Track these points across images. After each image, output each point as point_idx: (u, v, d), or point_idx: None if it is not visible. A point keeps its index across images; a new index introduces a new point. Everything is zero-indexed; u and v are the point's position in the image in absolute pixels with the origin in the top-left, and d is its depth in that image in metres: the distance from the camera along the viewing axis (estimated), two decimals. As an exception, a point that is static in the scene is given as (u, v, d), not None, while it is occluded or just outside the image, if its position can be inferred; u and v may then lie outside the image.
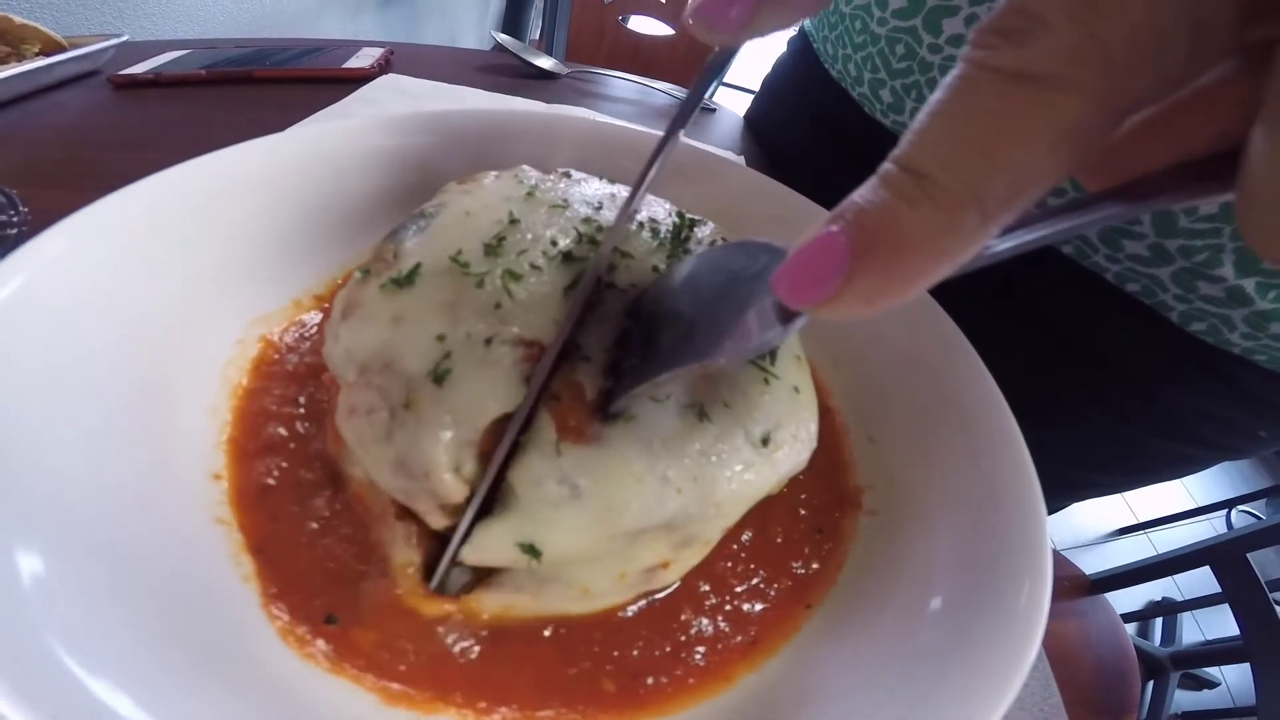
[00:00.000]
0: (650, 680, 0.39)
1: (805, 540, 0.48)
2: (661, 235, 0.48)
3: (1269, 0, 0.19)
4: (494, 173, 0.51)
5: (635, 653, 0.40)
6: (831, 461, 0.53)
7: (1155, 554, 1.98)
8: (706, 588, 0.44)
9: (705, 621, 0.42)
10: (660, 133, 0.52)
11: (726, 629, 0.42)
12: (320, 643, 0.36)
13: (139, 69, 0.90)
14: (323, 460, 0.43)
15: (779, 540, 0.47)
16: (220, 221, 0.48)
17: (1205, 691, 2.40)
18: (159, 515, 0.37)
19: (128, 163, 0.72)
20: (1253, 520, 2.98)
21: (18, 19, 0.86)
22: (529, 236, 0.43)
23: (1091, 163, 0.27)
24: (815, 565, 0.46)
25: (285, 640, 0.35)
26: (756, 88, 1.15)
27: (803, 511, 0.49)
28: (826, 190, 0.71)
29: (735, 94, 3.62)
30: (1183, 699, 2.23)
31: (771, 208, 0.66)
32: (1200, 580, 1.84)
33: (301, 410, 0.46)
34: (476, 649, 0.38)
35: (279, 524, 0.40)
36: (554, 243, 0.43)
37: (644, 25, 2.36)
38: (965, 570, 0.40)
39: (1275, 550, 2.08)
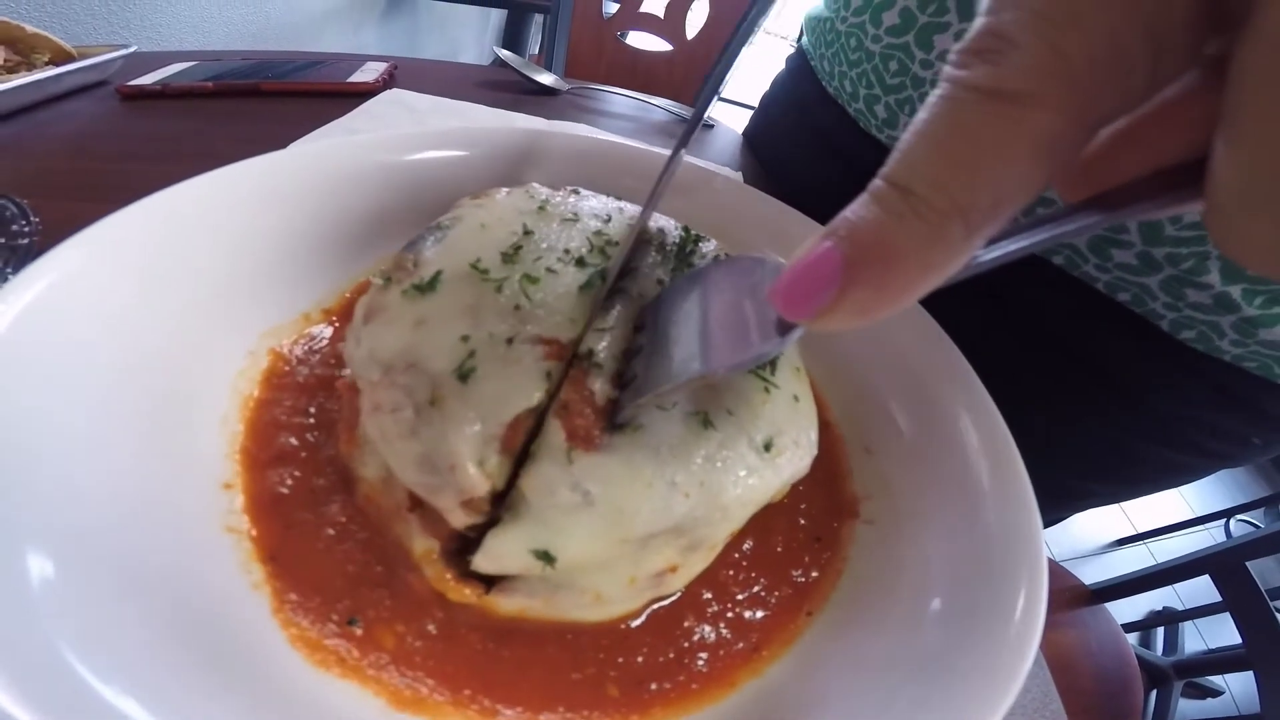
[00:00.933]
0: (654, 686, 0.39)
1: (805, 549, 0.48)
2: (668, 249, 0.50)
3: (1220, 18, 0.20)
4: (505, 189, 0.53)
5: (640, 659, 0.40)
6: (830, 472, 0.54)
7: (1155, 564, 1.98)
8: (709, 595, 0.44)
9: (708, 628, 0.43)
10: (658, 149, 0.53)
11: (729, 635, 0.42)
12: (340, 643, 0.36)
13: (147, 80, 0.91)
14: (334, 466, 0.44)
15: (779, 549, 0.48)
16: (231, 236, 0.49)
17: (1209, 700, 2.39)
18: (170, 523, 0.37)
19: (135, 174, 0.74)
20: (1251, 529, 2.98)
21: (29, 28, 0.87)
22: (544, 246, 0.46)
23: (1068, 175, 0.28)
24: (815, 573, 0.47)
25: (295, 646, 0.35)
26: (754, 103, 1.16)
27: (802, 521, 0.50)
28: (824, 204, 0.72)
29: (734, 109, 3.64)
30: (1187, 708, 2.22)
31: (766, 222, 0.67)
32: (1201, 589, 1.85)
33: (312, 420, 0.46)
34: (490, 646, 0.39)
35: (293, 531, 0.40)
36: (567, 250, 0.46)
37: (642, 41, 2.38)
38: (962, 577, 0.41)
39: (1275, 559, 2.08)
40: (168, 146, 0.81)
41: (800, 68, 1.00)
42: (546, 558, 0.35)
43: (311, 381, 0.49)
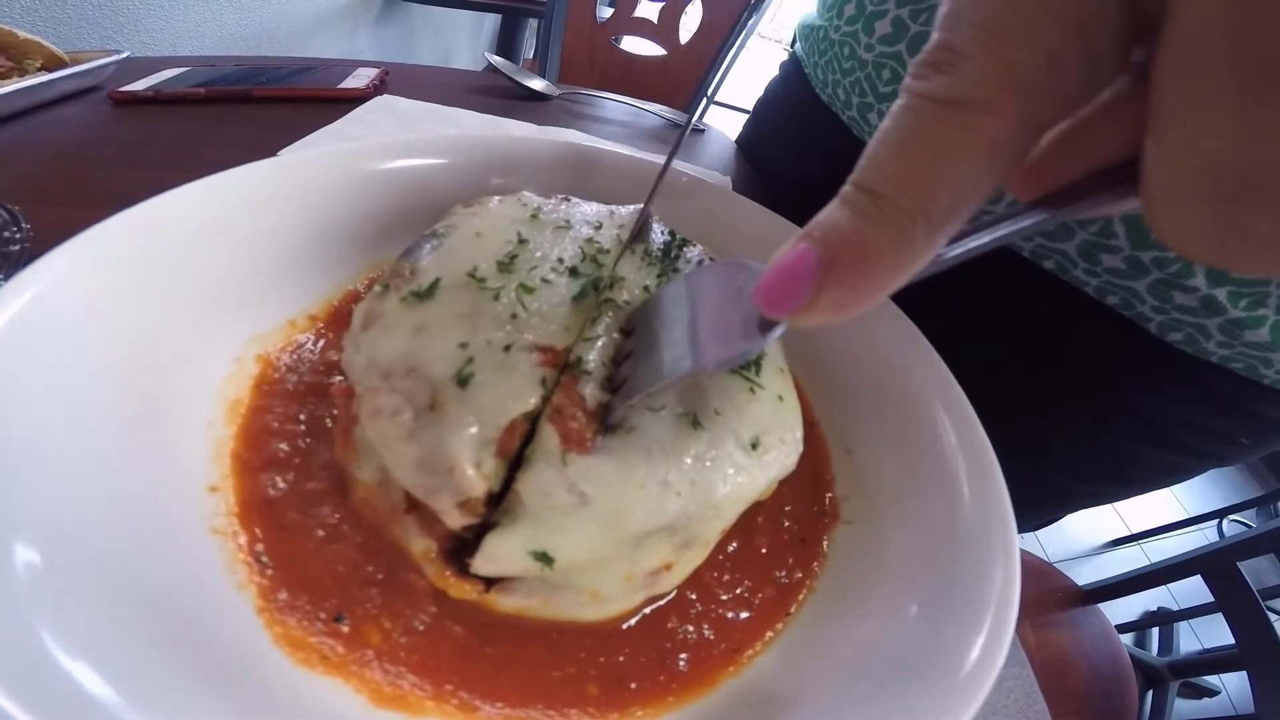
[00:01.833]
0: (634, 685, 0.40)
1: (789, 549, 0.49)
2: (654, 254, 0.52)
3: (1143, 27, 0.22)
4: (497, 197, 0.55)
5: (621, 658, 0.41)
6: (814, 472, 0.54)
7: (1148, 564, 2.00)
8: (694, 596, 0.45)
9: (691, 629, 0.44)
10: (647, 154, 0.54)
11: (711, 636, 0.43)
12: (325, 640, 0.37)
13: (139, 86, 0.92)
14: (329, 471, 0.45)
15: (764, 550, 0.49)
16: (218, 243, 0.50)
17: (1206, 700, 2.40)
18: (155, 525, 0.38)
19: (127, 180, 0.74)
20: (1243, 529, 2.99)
21: (21, 34, 0.88)
22: (538, 254, 0.48)
23: (1018, 176, 0.30)
24: (799, 574, 0.48)
25: (279, 644, 0.36)
26: (748, 107, 1.17)
27: (786, 523, 0.51)
28: (817, 209, 0.72)
29: (728, 114, 3.65)
30: (1183, 708, 2.23)
31: (752, 228, 0.69)
32: (1195, 590, 1.86)
33: (303, 427, 0.47)
34: (474, 642, 0.40)
35: (283, 533, 0.41)
36: (561, 259, 0.48)
37: (636, 46, 2.39)
38: (938, 576, 0.43)
39: (1267, 559, 2.09)
40: (160, 152, 0.82)
41: (794, 74, 1.01)
42: (545, 559, 0.36)
43: (301, 389, 0.50)
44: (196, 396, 0.46)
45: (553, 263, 0.47)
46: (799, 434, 0.46)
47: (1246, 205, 0.21)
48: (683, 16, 2.34)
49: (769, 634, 0.44)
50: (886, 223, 0.24)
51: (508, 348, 0.40)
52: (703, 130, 1.21)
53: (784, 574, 0.48)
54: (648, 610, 0.44)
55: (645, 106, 1.24)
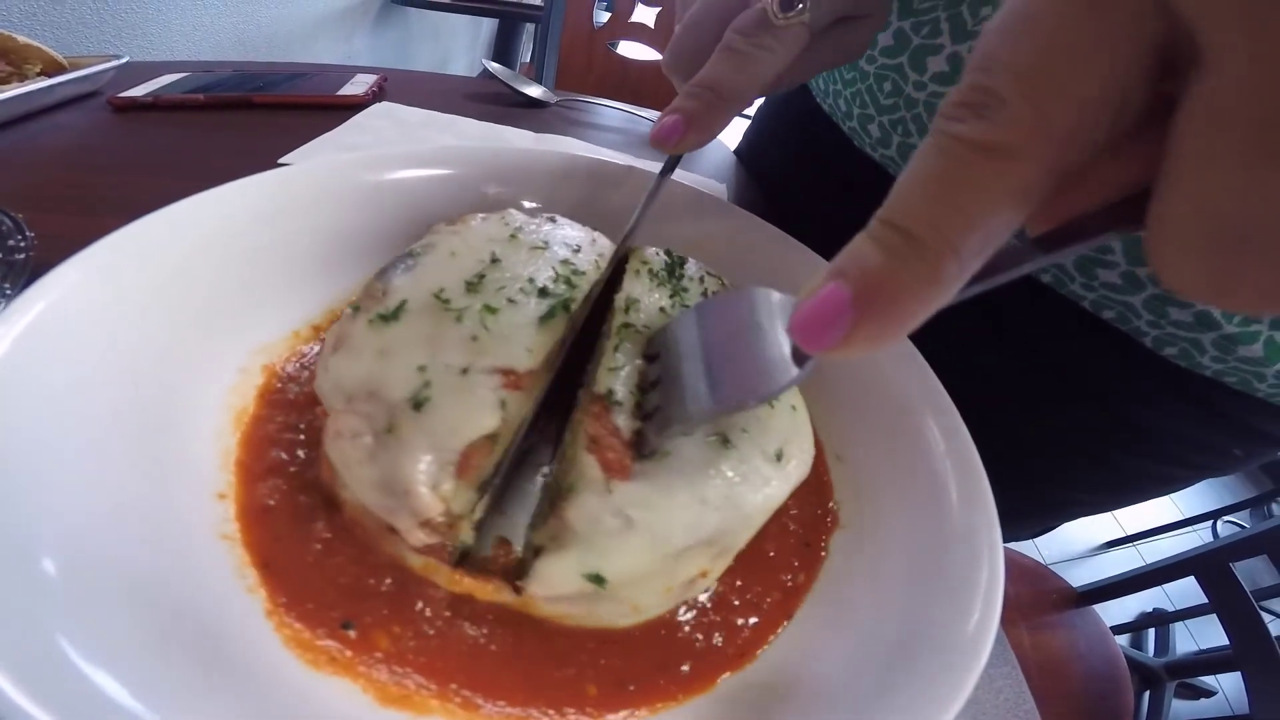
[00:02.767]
0: (633, 687, 0.41)
1: (794, 553, 0.50)
2: (658, 274, 0.53)
3: (1170, 64, 0.24)
4: (482, 215, 0.55)
5: (622, 661, 0.42)
6: (816, 476, 0.55)
7: (1141, 565, 2.01)
8: (704, 599, 0.46)
9: (699, 636, 0.45)
10: (644, 162, 0.55)
11: (719, 641, 0.44)
12: (333, 644, 0.38)
13: (138, 91, 0.93)
14: (318, 487, 0.45)
15: (771, 554, 0.50)
16: (223, 254, 0.51)
17: (1203, 700, 2.43)
18: (166, 530, 0.39)
19: (128, 187, 0.75)
20: (1238, 530, 3.02)
21: (21, 38, 0.88)
22: (508, 275, 0.48)
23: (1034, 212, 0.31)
24: (802, 576, 0.49)
25: (289, 647, 0.37)
26: (748, 114, 1.18)
27: (792, 526, 0.52)
28: (817, 220, 0.75)
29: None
30: (1180, 709, 2.25)
31: (751, 243, 0.70)
32: (1190, 590, 1.88)
33: (301, 437, 0.48)
34: (481, 642, 0.41)
35: (281, 544, 0.42)
36: (531, 280, 0.48)
37: (633, 50, 2.41)
38: (927, 574, 0.45)
39: (1261, 559, 2.10)
40: (159, 159, 0.83)
41: (796, 88, 1.01)
42: (598, 580, 0.38)
43: (301, 399, 0.50)
44: (204, 406, 0.47)
45: (523, 283, 0.47)
46: (811, 441, 0.48)
47: (1247, 257, 0.22)
48: (678, 20, 2.34)
49: (771, 637, 0.45)
50: (919, 262, 0.25)
51: (465, 370, 0.40)
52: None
53: (789, 577, 0.49)
54: (684, 614, 0.45)
55: (641, 113, 1.25)
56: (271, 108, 0.99)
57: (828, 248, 0.65)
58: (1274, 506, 3.47)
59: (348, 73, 1.13)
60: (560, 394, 0.56)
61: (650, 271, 0.53)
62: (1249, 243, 0.22)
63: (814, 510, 0.53)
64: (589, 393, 0.43)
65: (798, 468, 0.45)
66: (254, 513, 0.43)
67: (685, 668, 0.42)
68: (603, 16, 2.38)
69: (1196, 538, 3.43)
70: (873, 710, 0.36)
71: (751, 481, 0.42)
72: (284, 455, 0.47)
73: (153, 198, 0.49)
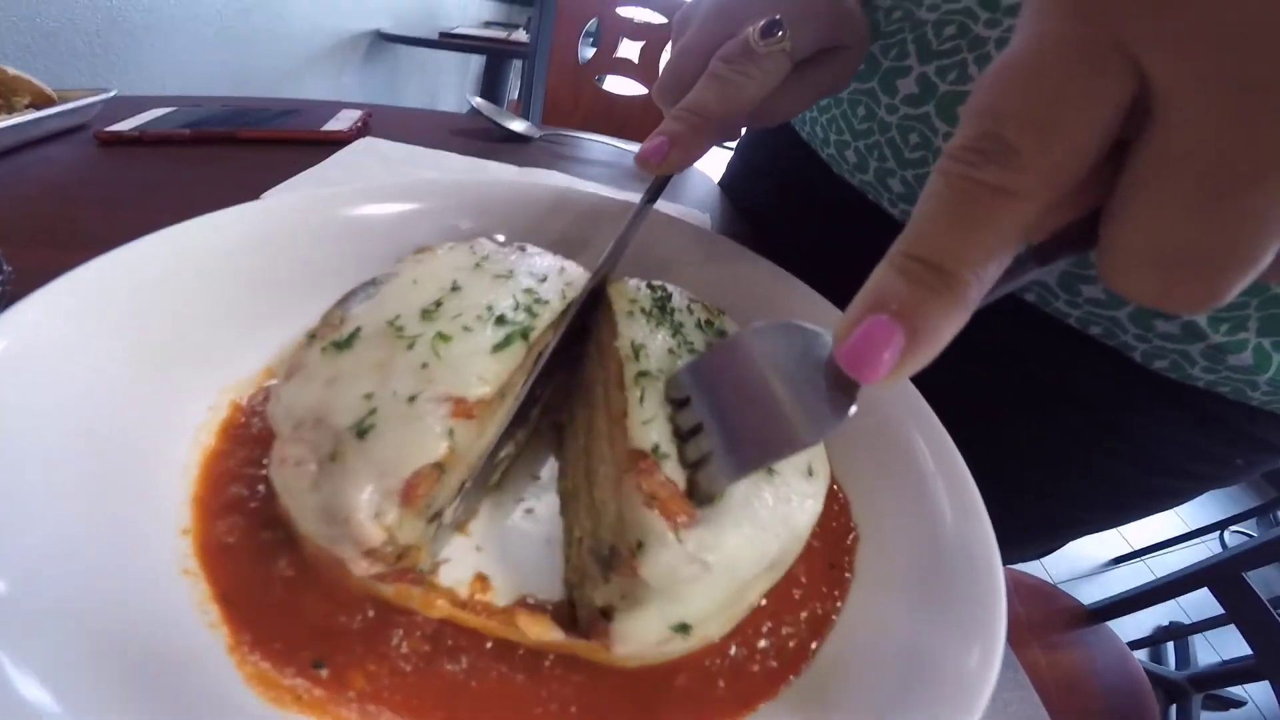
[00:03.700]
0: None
1: (822, 578, 0.50)
2: (650, 312, 0.53)
3: (1129, 119, 0.29)
4: (449, 244, 0.55)
5: (607, 696, 0.41)
6: (831, 495, 0.54)
7: (1152, 580, 2.01)
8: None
9: (694, 681, 0.43)
10: (628, 194, 0.55)
11: (722, 686, 0.43)
12: (301, 682, 0.37)
13: (124, 126, 0.94)
14: (280, 523, 0.44)
15: (802, 578, 0.50)
16: (195, 290, 0.52)
17: (1232, 711, 2.40)
18: (127, 562, 0.38)
19: (112, 222, 0.75)
20: (1246, 539, 3.04)
21: (10, 70, 0.90)
22: (467, 303, 0.48)
23: None
24: (827, 605, 0.49)
25: (250, 684, 0.36)
26: (730, 145, 1.19)
27: (815, 544, 0.51)
28: (801, 248, 0.76)
29: (712, 152, 3.68)
30: None
31: (733, 268, 0.71)
32: (1206, 602, 1.87)
33: (262, 472, 0.47)
34: (461, 678, 0.40)
35: (243, 583, 0.41)
36: (490, 308, 0.48)
37: (619, 85, 2.44)
38: (925, 596, 0.45)
39: (1274, 568, 2.10)
40: (145, 194, 0.83)
41: None
42: (683, 629, 0.39)
43: (264, 434, 0.50)
44: (170, 442, 0.46)
45: (480, 311, 0.47)
46: (824, 451, 0.49)
47: (1184, 271, 0.29)
48: (663, 56, 2.38)
49: (792, 677, 0.44)
50: (950, 294, 0.30)
51: (413, 398, 0.40)
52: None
53: (818, 605, 0.49)
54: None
55: (627, 146, 1.26)
56: (256, 143, 1.01)
57: (813, 274, 0.68)
58: (1278, 513, 3.51)
59: (333, 109, 1.15)
60: (544, 424, 0.58)
61: (642, 310, 0.52)
62: (1185, 264, 0.28)
63: (834, 531, 0.53)
64: (625, 449, 0.43)
65: (824, 480, 0.46)
66: (213, 550, 0.42)
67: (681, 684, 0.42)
68: (588, 52, 2.42)
69: (1205, 549, 3.44)
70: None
71: (795, 501, 0.43)
72: (244, 491, 0.46)
73: (136, 233, 0.49)
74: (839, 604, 0.48)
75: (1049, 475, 0.85)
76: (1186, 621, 2.62)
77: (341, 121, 1.08)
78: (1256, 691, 2.47)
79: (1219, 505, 3.67)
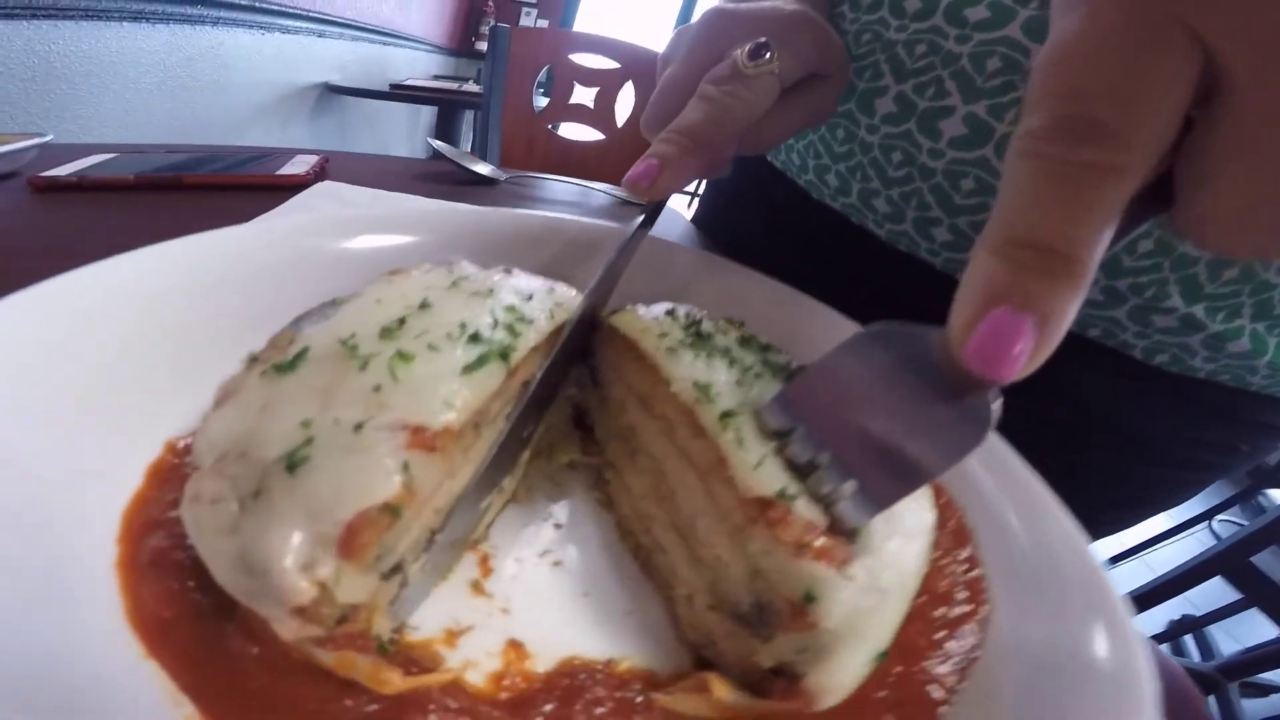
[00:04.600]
0: None
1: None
2: (688, 343, 0.48)
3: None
4: (428, 264, 0.50)
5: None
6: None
7: (1155, 575, 2.03)
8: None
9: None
10: (617, 225, 0.52)
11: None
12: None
13: (61, 171, 0.89)
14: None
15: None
16: (130, 329, 0.47)
17: (1274, 696, 2.36)
18: (80, 653, 0.32)
19: (46, 271, 0.68)
20: (1237, 528, 3.09)
21: (-67, 113, 0.82)
22: (436, 320, 0.42)
23: None
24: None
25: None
26: (697, 191, 1.19)
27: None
28: (782, 277, 0.74)
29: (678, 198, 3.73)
30: (1252, 708, 2.19)
31: (736, 287, 0.71)
32: (1214, 592, 1.90)
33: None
34: None
35: (207, 670, 0.34)
36: (463, 326, 0.42)
37: (574, 132, 2.45)
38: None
39: (1271, 552, 2.13)
40: (83, 241, 0.78)
41: None
42: (881, 656, 0.36)
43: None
44: (105, 511, 0.40)
45: (451, 329, 0.41)
46: None
47: None
48: (617, 100, 2.39)
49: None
50: (1072, 277, 0.30)
51: (359, 426, 0.34)
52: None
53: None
54: None
55: (593, 185, 1.24)
56: (206, 189, 0.96)
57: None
58: (1260, 499, 3.62)
59: (287, 155, 1.12)
60: (548, 468, 0.54)
61: (681, 343, 0.48)
62: None
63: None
64: (740, 500, 0.39)
65: None
66: (155, 632, 0.35)
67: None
68: (542, 101, 2.42)
69: (1197, 542, 3.50)
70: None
71: (913, 504, 0.41)
72: (166, 542, 0.39)
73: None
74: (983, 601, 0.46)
75: (1056, 479, 0.83)
76: (1197, 614, 2.64)
77: (297, 166, 1.06)
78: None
79: (1201, 497, 3.73)
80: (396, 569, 0.37)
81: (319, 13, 3.23)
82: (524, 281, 0.51)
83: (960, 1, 0.66)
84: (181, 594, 0.36)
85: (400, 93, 3.79)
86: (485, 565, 0.46)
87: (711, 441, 0.41)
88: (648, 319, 0.51)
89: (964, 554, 0.49)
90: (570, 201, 1.22)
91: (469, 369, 0.38)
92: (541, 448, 0.55)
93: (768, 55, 0.57)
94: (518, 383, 0.45)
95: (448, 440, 0.36)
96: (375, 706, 0.34)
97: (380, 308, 0.42)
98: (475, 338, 0.41)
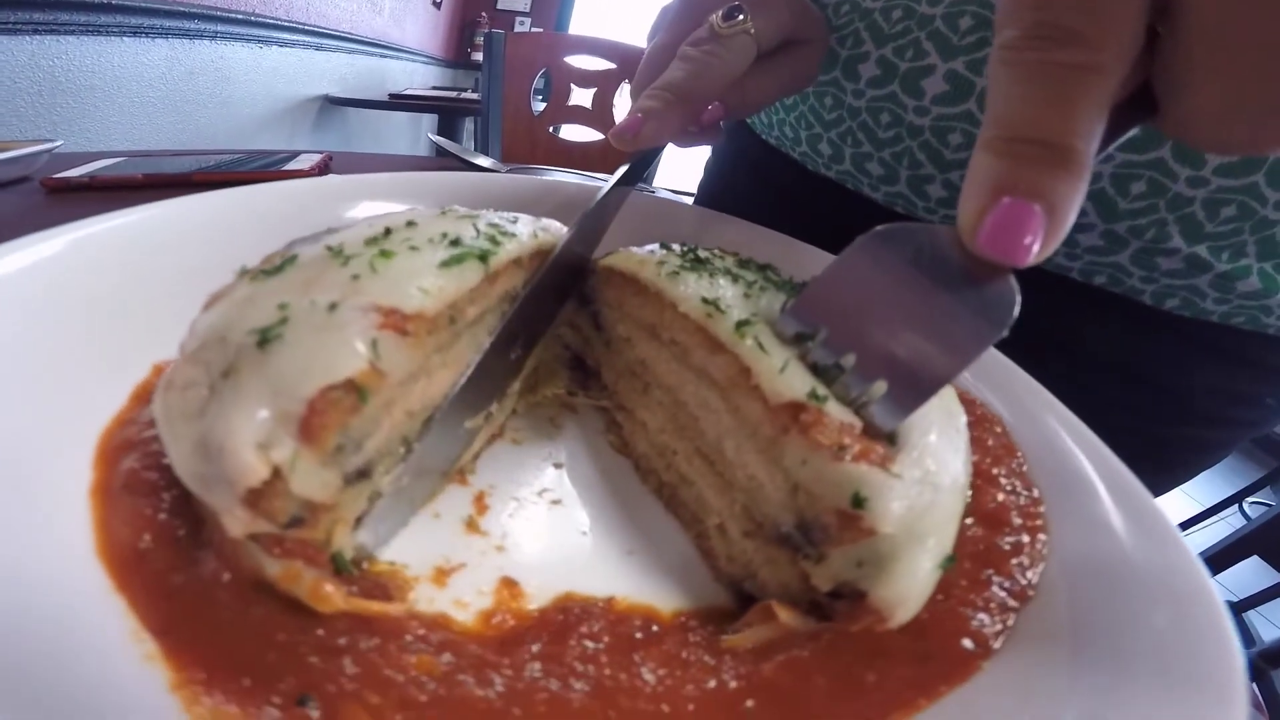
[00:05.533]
0: None
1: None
2: (689, 267, 0.48)
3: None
4: (421, 209, 0.51)
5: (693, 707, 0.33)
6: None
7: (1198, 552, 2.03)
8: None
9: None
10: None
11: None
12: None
13: (73, 173, 0.90)
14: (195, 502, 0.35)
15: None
16: (139, 266, 0.49)
17: None
18: (41, 590, 0.30)
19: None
20: (1266, 509, 3.04)
21: (-54, 122, 0.84)
22: (420, 232, 0.42)
23: None
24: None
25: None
26: (691, 189, 1.20)
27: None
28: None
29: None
30: None
31: (730, 235, 0.73)
32: (1249, 578, 1.87)
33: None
34: (500, 694, 0.32)
35: (177, 601, 0.32)
36: (444, 234, 0.42)
37: (574, 133, 2.46)
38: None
39: None
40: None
41: (738, 128, 1.08)
42: (949, 561, 0.36)
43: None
44: (85, 439, 0.39)
45: (433, 235, 0.41)
46: None
47: (1270, 117, 0.33)
48: (615, 100, 2.40)
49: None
50: (1071, 165, 0.31)
51: (334, 306, 0.33)
52: (653, 192, 1.21)
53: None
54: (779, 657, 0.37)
55: (597, 176, 1.24)
56: (214, 185, 0.94)
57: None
58: None
59: (292, 154, 1.12)
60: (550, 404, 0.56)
61: (681, 269, 0.48)
62: (1268, 110, 0.33)
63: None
64: (770, 407, 0.38)
65: None
66: (126, 562, 0.33)
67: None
68: (540, 107, 2.43)
69: (1226, 526, 3.40)
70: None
71: (947, 394, 0.41)
72: (142, 465, 0.37)
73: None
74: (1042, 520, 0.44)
75: None
76: (1235, 599, 2.58)
77: (302, 163, 1.06)
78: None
79: (1226, 480, 3.73)
80: (363, 474, 0.36)
81: (315, 25, 3.27)
82: (512, 215, 0.51)
83: None
84: (153, 518, 0.35)
85: (399, 102, 3.81)
86: (480, 503, 0.45)
87: (730, 353, 0.41)
88: (642, 254, 0.52)
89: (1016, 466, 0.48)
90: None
91: (446, 264, 0.39)
92: (531, 383, 0.56)
93: (741, 17, 0.61)
94: (499, 291, 0.45)
95: (420, 326, 0.36)
96: (346, 640, 0.32)
97: (369, 227, 0.42)
98: (456, 242, 0.41)
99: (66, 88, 1.85)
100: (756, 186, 1.04)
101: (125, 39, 2.04)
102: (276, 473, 0.30)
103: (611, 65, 2.42)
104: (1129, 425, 0.79)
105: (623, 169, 0.62)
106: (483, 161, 1.21)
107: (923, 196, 0.78)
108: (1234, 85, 0.33)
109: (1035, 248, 0.32)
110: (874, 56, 0.75)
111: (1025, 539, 0.43)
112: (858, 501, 0.33)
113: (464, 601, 0.38)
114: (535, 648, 0.35)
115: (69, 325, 0.43)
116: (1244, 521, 3.42)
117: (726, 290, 0.46)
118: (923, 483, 0.35)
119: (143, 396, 0.43)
